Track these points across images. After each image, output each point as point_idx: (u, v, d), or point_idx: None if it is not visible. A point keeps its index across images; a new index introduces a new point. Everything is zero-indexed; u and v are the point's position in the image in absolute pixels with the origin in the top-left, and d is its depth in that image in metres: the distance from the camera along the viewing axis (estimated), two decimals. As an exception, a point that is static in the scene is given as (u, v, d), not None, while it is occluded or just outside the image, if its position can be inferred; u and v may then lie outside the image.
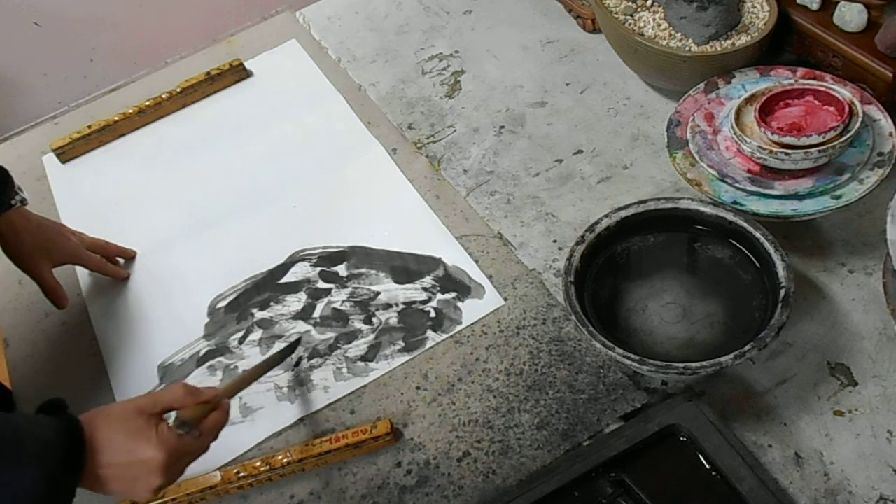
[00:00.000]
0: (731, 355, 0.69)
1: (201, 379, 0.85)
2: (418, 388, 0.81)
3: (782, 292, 0.72)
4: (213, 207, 1.01)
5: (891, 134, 0.83)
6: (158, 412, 0.63)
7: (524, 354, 0.82)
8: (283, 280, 0.92)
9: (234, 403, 0.82)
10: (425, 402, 0.80)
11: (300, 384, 0.83)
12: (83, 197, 1.06)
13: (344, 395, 0.81)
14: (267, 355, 0.84)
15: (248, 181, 1.04)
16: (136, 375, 0.87)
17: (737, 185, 0.82)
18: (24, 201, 0.86)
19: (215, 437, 0.66)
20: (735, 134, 0.82)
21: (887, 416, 0.73)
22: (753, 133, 0.83)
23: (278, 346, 0.85)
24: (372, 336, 0.86)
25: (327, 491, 0.76)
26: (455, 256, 0.90)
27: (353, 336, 0.86)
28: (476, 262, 0.90)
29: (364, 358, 0.84)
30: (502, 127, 1.04)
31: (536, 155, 1.00)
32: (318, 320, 0.88)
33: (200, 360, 0.87)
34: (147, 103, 1.12)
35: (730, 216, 0.79)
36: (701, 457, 0.70)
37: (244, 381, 0.75)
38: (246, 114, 1.12)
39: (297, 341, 0.85)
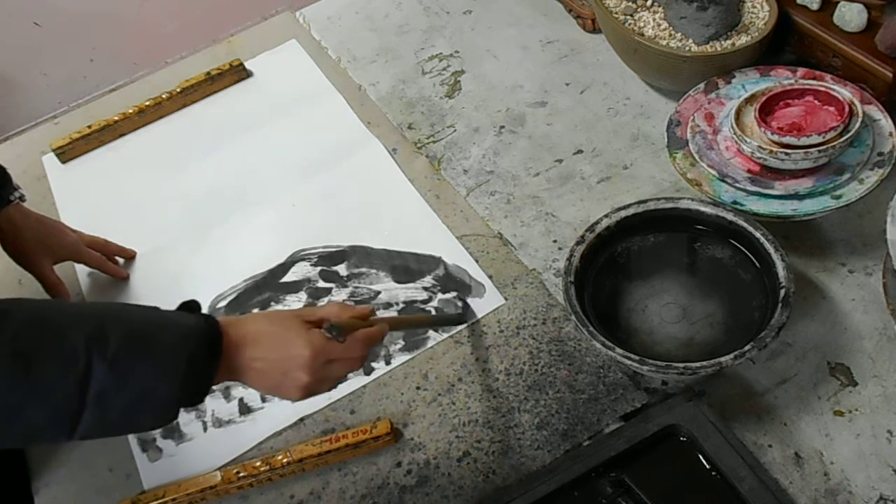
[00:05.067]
0: (731, 355, 0.69)
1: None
2: (418, 388, 0.81)
3: (782, 292, 0.72)
4: (213, 207, 1.01)
5: (891, 134, 0.83)
6: (314, 321, 0.66)
7: (524, 354, 0.82)
8: (284, 279, 0.92)
9: (234, 403, 0.83)
10: (425, 402, 0.80)
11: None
12: (83, 197, 1.06)
13: (344, 395, 0.82)
14: (438, 313, 0.86)
15: (247, 181, 1.03)
16: (136, 375, 0.86)
17: (737, 185, 0.82)
18: (22, 197, 0.86)
19: (363, 352, 0.68)
20: (735, 134, 0.82)
21: (887, 416, 0.73)
22: (753, 133, 0.83)
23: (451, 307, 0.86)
24: (372, 336, 0.86)
25: (327, 491, 0.76)
26: (455, 256, 0.90)
27: (353, 336, 0.86)
28: (476, 261, 0.90)
29: (364, 357, 0.84)
30: (502, 127, 1.04)
31: (536, 155, 1.00)
32: (319, 320, 0.88)
33: (200, 360, 0.86)
34: (147, 103, 1.12)
35: (730, 216, 0.79)
36: (701, 457, 0.70)
37: (407, 322, 0.80)
38: (246, 114, 1.12)
39: (463, 315, 0.85)
